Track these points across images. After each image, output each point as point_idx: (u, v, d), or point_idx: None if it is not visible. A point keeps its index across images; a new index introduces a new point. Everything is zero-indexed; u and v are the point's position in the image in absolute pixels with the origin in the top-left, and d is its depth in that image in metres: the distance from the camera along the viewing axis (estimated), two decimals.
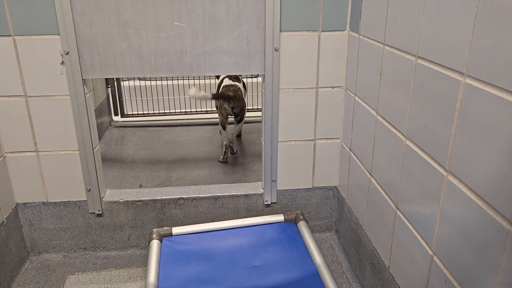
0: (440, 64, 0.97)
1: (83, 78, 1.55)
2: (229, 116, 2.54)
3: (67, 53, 1.50)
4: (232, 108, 2.45)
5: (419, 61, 1.06)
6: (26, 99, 1.55)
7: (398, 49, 1.18)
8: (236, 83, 2.53)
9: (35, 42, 1.48)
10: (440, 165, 0.99)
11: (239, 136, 2.97)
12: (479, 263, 0.86)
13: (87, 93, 1.59)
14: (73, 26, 1.48)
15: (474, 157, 0.86)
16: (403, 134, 1.18)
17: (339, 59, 1.64)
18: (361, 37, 1.48)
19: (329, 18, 1.57)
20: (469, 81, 0.86)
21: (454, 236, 0.95)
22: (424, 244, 1.08)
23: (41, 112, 1.58)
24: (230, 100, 2.41)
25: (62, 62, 1.52)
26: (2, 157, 1.60)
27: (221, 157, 2.56)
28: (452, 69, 0.92)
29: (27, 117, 1.58)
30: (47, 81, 1.54)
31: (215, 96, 2.43)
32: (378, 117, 1.35)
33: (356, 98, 1.56)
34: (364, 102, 1.48)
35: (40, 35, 1.48)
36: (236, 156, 2.61)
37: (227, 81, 2.55)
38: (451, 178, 0.95)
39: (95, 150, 1.66)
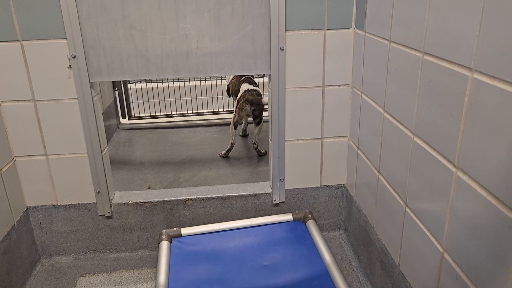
0: (447, 60, 0.96)
1: (91, 81, 1.56)
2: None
3: (74, 57, 1.52)
4: (253, 110, 2.59)
5: (426, 57, 1.06)
6: (34, 103, 1.57)
7: (404, 46, 1.18)
8: (257, 88, 2.68)
9: (43, 46, 1.50)
10: (449, 161, 0.98)
11: (245, 135, 3.01)
12: (491, 260, 0.86)
13: (94, 96, 1.60)
14: (79, 30, 1.49)
15: (484, 152, 0.85)
16: (411, 131, 1.17)
17: (345, 57, 1.64)
18: (367, 34, 1.47)
19: (334, 16, 1.57)
20: (477, 76, 0.86)
21: (465, 232, 0.94)
22: (434, 241, 1.08)
23: (50, 116, 1.59)
24: (254, 103, 2.56)
25: (70, 66, 1.53)
26: (12, 161, 1.62)
27: (223, 152, 2.67)
28: (459, 65, 0.92)
29: (36, 121, 1.59)
30: (55, 85, 1.55)
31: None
32: (386, 115, 1.35)
33: (363, 96, 1.55)
34: (371, 99, 1.47)
35: (47, 39, 1.49)
36: (264, 155, 2.67)
37: (247, 86, 2.67)
38: (460, 174, 0.94)
39: (103, 153, 1.67)
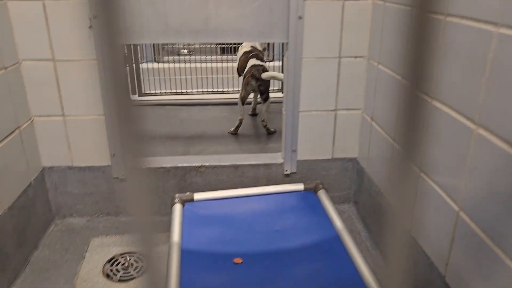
0: (471, 18, 0.97)
1: None
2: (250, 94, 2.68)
3: (95, 17, 1.53)
4: (259, 85, 2.56)
5: (449, 18, 1.06)
6: (54, 63, 1.59)
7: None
8: (263, 63, 2.66)
9: (64, 5, 1.51)
10: (469, 119, 0.99)
11: (254, 115, 3.01)
12: (508, 212, 0.87)
13: None
14: None
15: (506, 106, 0.86)
16: (429, 96, 1.18)
17: (363, 28, 1.64)
18: (386, 3, 1.47)
19: None
20: (503, 31, 0.86)
21: (482, 188, 0.95)
22: (450, 201, 1.09)
23: (69, 76, 1.61)
24: (258, 79, 2.53)
25: (90, 26, 1.54)
26: (30, 121, 1.64)
27: (232, 129, 2.68)
28: (484, 21, 0.92)
29: (55, 81, 1.61)
30: (75, 45, 1.57)
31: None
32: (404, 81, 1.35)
33: (380, 66, 1.56)
34: (389, 68, 1.48)
35: None
36: (273, 134, 2.65)
37: (254, 61, 2.65)
38: (481, 131, 0.95)
39: None
